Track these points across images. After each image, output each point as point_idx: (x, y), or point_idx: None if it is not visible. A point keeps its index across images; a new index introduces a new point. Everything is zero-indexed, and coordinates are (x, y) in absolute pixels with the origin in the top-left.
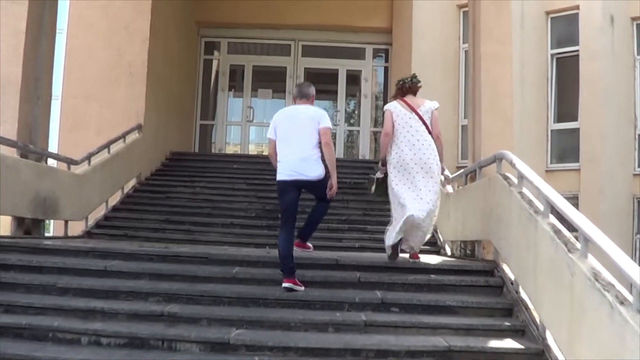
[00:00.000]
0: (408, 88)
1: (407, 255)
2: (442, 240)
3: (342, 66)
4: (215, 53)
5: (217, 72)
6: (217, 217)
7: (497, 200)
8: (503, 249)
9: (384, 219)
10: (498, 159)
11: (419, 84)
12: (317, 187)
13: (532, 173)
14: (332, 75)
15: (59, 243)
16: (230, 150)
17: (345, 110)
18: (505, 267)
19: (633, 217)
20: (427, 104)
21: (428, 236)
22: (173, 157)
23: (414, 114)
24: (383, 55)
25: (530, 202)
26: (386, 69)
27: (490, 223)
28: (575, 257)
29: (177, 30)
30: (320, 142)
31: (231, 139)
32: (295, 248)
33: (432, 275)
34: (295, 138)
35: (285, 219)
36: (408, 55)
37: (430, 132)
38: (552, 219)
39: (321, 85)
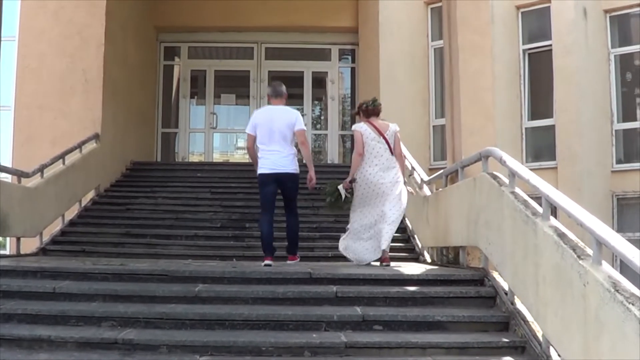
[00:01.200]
0: (372, 110)
1: (377, 263)
2: (420, 246)
3: (308, 68)
4: (176, 58)
5: (178, 78)
6: (181, 228)
7: (485, 202)
8: (494, 256)
9: None
10: (484, 156)
11: (380, 106)
12: (291, 181)
13: (526, 170)
14: (298, 78)
15: (5, 263)
16: (194, 158)
17: (312, 113)
18: (496, 276)
19: (612, 215)
20: (391, 128)
21: (394, 229)
22: (134, 167)
23: (381, 137)
24: (349, 56)
25: (525, 203)
26: (353, 70)
27: (477, 227)
28: (587, 264)
29: (134, 35)
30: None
31: (195, 147)
32: (289, 262)
33: (417, 287)
34: (275, 138)
35: (265, 207)
36: (375, 55)
37: (392, 152)
38: (554, 221)
39: (287, 90)
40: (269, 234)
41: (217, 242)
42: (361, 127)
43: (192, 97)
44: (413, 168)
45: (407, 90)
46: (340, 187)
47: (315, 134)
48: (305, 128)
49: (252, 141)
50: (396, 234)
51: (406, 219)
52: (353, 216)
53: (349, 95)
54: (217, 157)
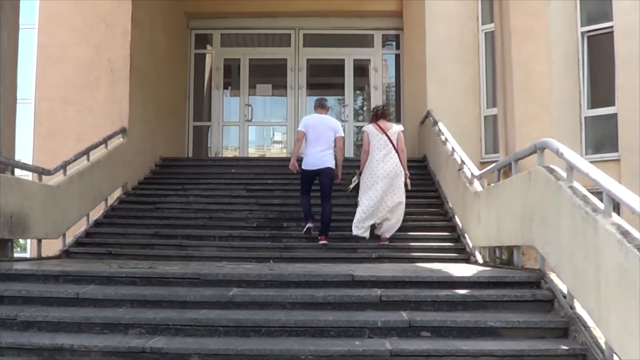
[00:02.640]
0: (381, 114)
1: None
2: (471, 246)
3: (349, 55)
4: (208, 47)
5: (210, 67)
6: (214, 228)
7: (540, 197)
8: (551, 256)
9: (404, 224)
10: (539, 148)
11: (388, 111)
12: (328, 174)
13: (585, 163)
14: (338, 67)
15: (25, 266)
16: (227, 153)
17: (354, 104)
18: (554, 277)
19: None
20: (394, 128)
21: (397, 226)
22: (163, 163)
23: (384, 135)
24: (394, 42)
25: (585, 199)
26: (398, 57)
27: (533, 225)
28: None
29: (163, 23)
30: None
31: (229, 141)
32: (321, 242)
33: (468, 290)
34: (321, 140)
35: (304, 191)
36: (421, 40)
37: (396, 150)
38: (617, 218)
39: (326, 78)
40: (308, 206)
41: (253, 243)
42: (368, 128)
43: (225, 87)
44: (463, 162)
45: (456, 78)
46: (354, 178)
47: (357, 126)
48: (344, 135)
49: (302, 136)
50: (444, 234)
51: (455, 216)
52: (360, 196)
53: (394, 84)
54: (252, 152)
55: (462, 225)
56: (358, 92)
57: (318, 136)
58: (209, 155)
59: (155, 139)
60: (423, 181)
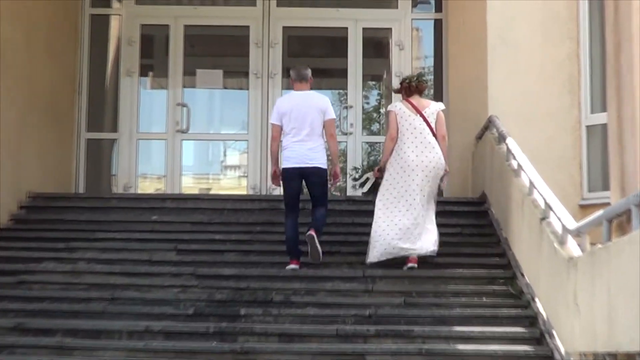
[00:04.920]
0: (415, 88)
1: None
2: (563, 352)
3: (355, 22)
4: (114, 3)
5: (117, 40)
6: (120, 318)
7: None
8: None
9: (446, 312)
10: None
11: (426, 84)
12: (318, 176)
13: None
14: (337, 42)
15: None
16: (146, 187)
17: (364, 102)
18: None
19: None
20: (432, 106)
21: (435, 237)
22: (34, 204)
23: (419, 116)
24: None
25: None
26: (438, 26)
27: None
28: None
29: None
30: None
31: (149, 167)
32: (313, 234)
33: None
34: (304, 128)
35: (290, 207)
36: (480, 2)
37: (435, 135)
38: None
39: (315, 61)
40: (294, 237)
41: (188, 345)
42: (395, 107)
43: (143, 74)
44: (548, 205)
45: (538, 64)
46: (369, 175)
47: (369, 143)
48: (335, 117)
49: (278, 133)
50: (516, 330)
51: (535, 300)
52: (379, 204)
53: (431, 70)
54: (188, 186)
55: (546, 315)
56: (371, 83)
57: (300, 123)
58: (114, 191)
59: (21, 162)
60: (480, 238)
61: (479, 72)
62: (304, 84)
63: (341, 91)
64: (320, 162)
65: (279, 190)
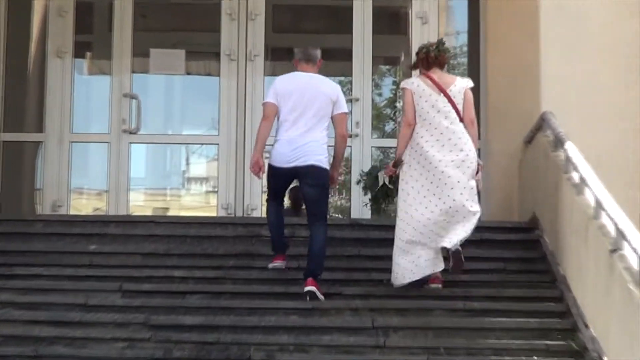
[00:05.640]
0: (434, 59)
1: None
2: None
3: None
4: None
5: (44, 10)
6: None
7: None
8: None
9: None
10: None
11: (448, 54)
12: (318, 179)
13: None
14: (338, 13)
15: None
16: (81, 206)
17: (374, 94)
18: None
19: None
20: (459, 82)
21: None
22: None
23: (442, 95)
24: None
25: None
26: None
27: None
28: None
29: None
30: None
31: (85, 179)
32: (307, 287)
33: None
34: (306, 117)
35: (275, 196)
36: None
37: (461, 118)
38: None
39: (311, 39)
40: (278, 224)
41: None
42: (411, 84)
43: (78, 55)
44: (620, 232)
45: (608, 44)
46: (381, 173)
47: (381, 148)
48: (348, 112)
49: (272, 113)
50: None
51: (604, 358)
52: (400, 213)
53: (464, 50)
54: (138, 203)
55: None
56: (383, 69)
57: (302, 110)
58: (39, 211)
59: None
60: (529, 276)
61: (528, 54)
62: (311, 66)
63: (343, 79)
64: (321, 160)
65: (259, 210)
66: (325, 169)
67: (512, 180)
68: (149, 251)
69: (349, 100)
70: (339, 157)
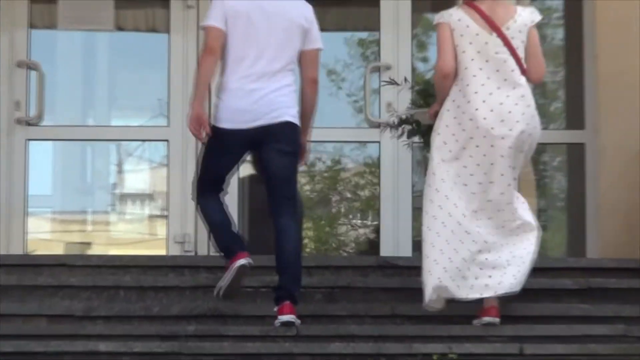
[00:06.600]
0: None
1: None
2: None
3: None
4: None
5: None
6: None
7: None
8: None
9: None
10: None
11: None
12: (285, 141)
13: None
14: None
15: None
16: None
17: (416, 67)
18: None
19: None
20: (520, 16)
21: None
22: None
23: (494, 35)
24: None
25: None
26: None
27: None
28: None
29: None
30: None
31: None
32: (280, 317)
33: None
34: (268, 53)
35: (211, 185)
36: None
37: (524, 70)
38: None
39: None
40: (226, 222)
41: None
42: (450, 16)
43: None
44: None
45: None
46: (419, 113)
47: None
48: (323, 48)
49: (218, 42)
50: None
51: None
52: (432, 207)
53: (558, 8)
54: (42, 235)
55: None
56: (429, 19)
57: (263, 41)
58: None
59: None
60: None
61: None
62: None
63: (366, 36)
64: (292, 113)
65: None
66: (297, 126)
67: (634, 194)
68: (60, 312)
69: (376, 69)
70: (308, 110)
